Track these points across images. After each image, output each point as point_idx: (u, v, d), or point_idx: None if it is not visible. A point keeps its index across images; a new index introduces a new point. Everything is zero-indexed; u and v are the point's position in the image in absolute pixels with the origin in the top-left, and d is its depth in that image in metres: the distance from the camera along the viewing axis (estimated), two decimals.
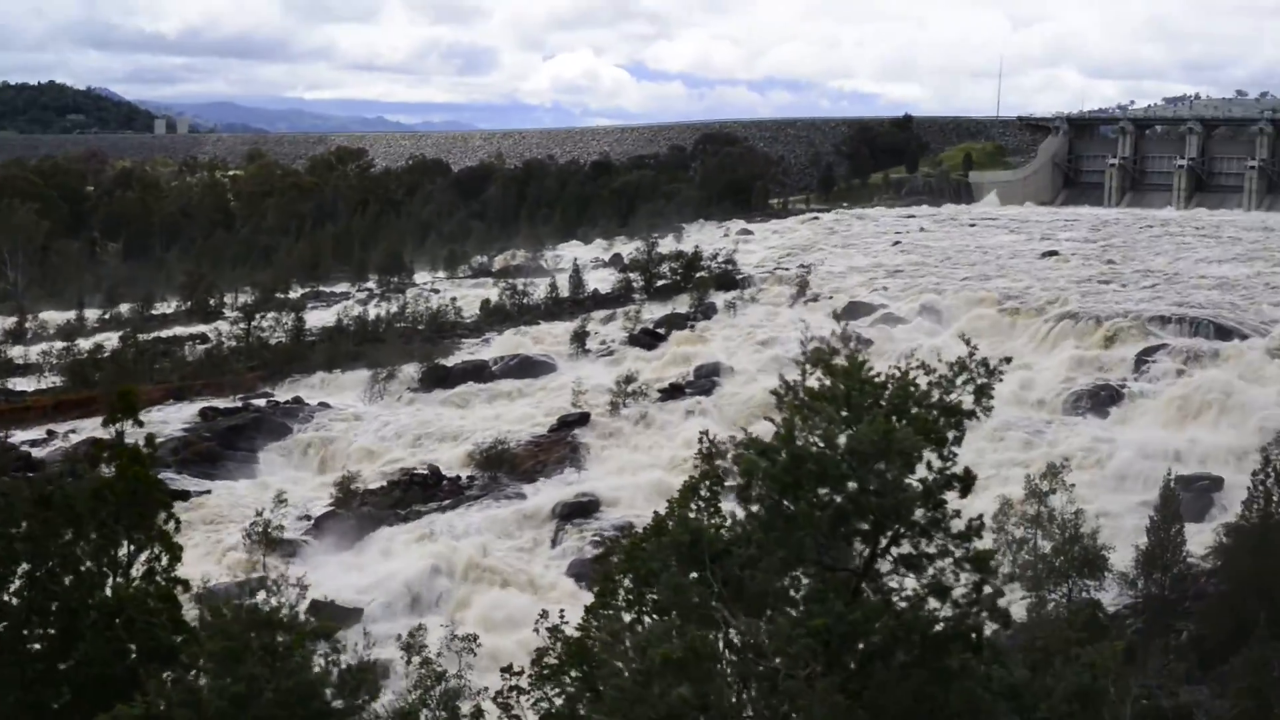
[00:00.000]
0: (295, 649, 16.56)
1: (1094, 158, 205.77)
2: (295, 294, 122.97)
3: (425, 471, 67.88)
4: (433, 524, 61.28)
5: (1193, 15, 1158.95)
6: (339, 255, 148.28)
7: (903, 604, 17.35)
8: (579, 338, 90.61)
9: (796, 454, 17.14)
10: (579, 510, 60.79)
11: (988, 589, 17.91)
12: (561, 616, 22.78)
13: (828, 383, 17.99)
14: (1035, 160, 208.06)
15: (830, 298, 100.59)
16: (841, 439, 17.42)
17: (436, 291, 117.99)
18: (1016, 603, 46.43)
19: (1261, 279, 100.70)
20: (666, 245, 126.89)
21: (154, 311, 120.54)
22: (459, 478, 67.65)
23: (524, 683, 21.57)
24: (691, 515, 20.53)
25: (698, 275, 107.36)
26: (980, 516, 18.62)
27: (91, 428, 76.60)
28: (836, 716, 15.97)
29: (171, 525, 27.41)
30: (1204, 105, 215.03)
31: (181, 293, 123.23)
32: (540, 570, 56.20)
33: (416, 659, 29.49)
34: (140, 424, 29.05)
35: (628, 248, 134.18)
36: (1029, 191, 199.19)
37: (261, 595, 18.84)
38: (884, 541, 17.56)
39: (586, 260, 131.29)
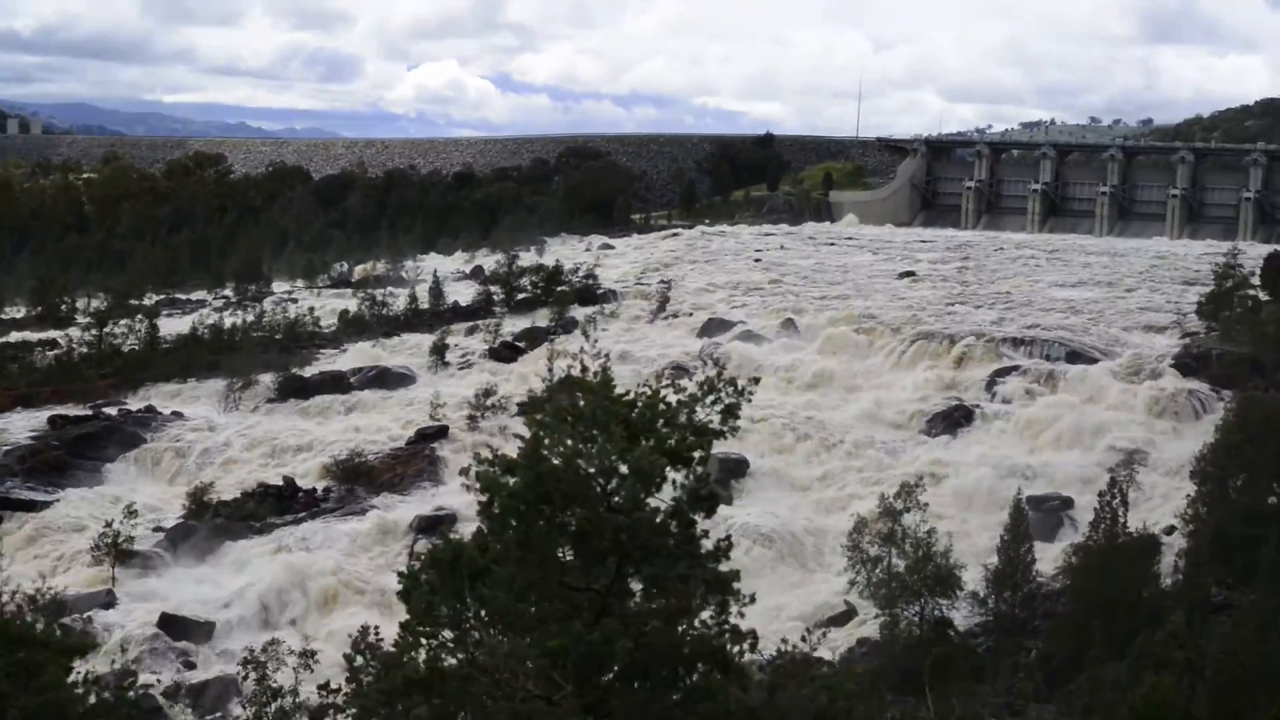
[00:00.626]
0: (48, 665, 16.00)
1: (951, 180, 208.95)
2: (150, 301, 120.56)
3: (280, 483, 67.04)
4: (287, 537, 60.51)
5: (1049, 41, 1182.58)
6: (196, 262, 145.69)
7: (652, 625, 17.39)
8: (438, 350, 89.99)
9: (539, 472, 17.17)
10: (436, 524, 60.22)
11: (733, 611, 18.04)
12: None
13: (580, 400, 18.04)
14: (894, 181, 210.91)
15: (690, 314, 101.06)
16: (582, 458, 17.52)
17: (295, 301, 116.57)
18: (870, 621, 47.24)
19: (1110, 303, 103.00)
20: (528, 258, 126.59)
21: (2, 316, 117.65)
22: (315, 490, 66.83)
23: (340, 699, 21.48)
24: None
25: (559, 289, 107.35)
26: (728, 538, 18.81)
27: None
28: None
29: None
30: (1059, 131, 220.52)
31: (31, 297, 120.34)
32: (396, 585, 55.64)
33: (253, 675, 29.15)
34: None
35: (489, 260, 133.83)
36: (888, 212, 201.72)
37: (12, 609, 18.08)
38: (629, 562, 17.60)
39: (448, 272, 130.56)
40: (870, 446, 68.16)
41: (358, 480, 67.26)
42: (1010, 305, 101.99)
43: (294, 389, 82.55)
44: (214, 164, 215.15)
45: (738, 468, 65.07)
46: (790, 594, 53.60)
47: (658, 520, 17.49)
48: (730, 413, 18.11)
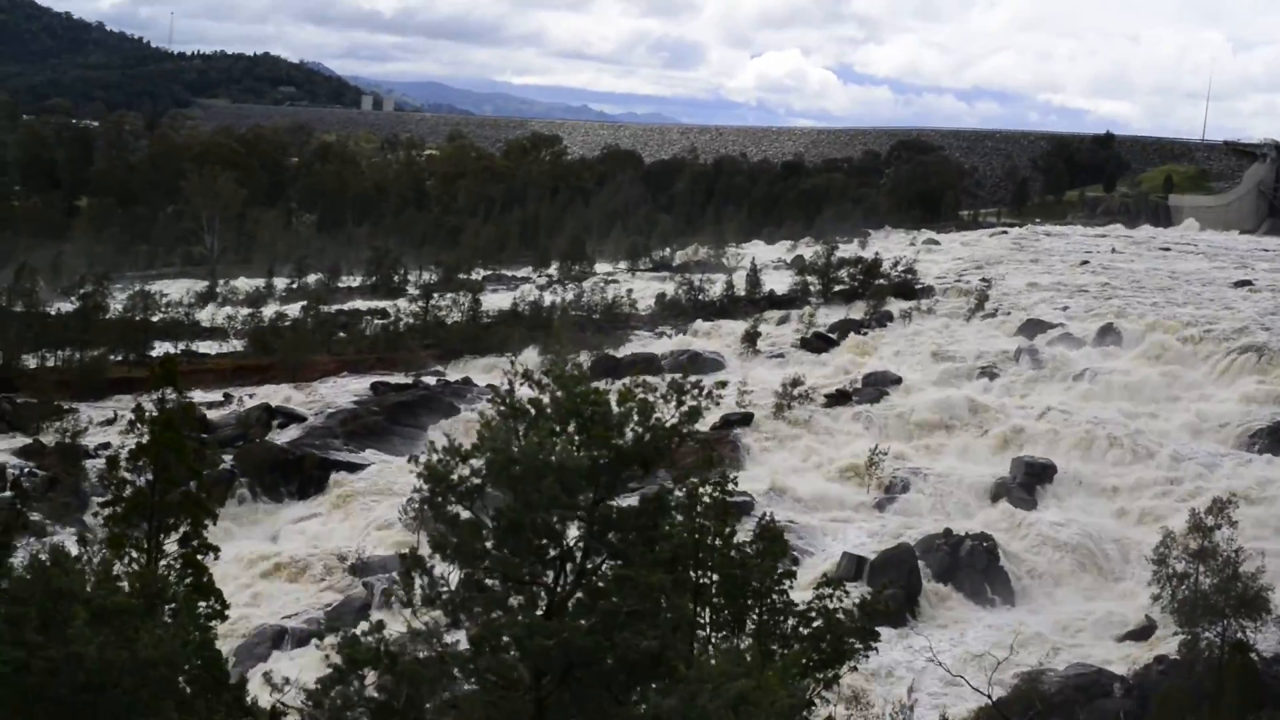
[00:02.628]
0: (75, 619, 16.39)
1: None
2: (477, 276, 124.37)
3: None
4: None
5: None
6: (525, 240, 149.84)
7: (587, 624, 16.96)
8: (750, 337, 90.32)
9: (489, 465, 16.88)
10: (735, 510, 60.29)
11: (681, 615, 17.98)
12: None
13: (544, 397, 17.70)
14: (1239, 187, 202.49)
15: (1009, 314, 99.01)
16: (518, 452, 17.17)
17: (615, 282, 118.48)
18: (1169, 638, 45.49)
19: None
20: (850, 250, 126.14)
21: (340, 284, 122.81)
22: None
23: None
24: None
25: (876, 282, 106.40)
26: (686, 542, 18.44)
27: (266, 393, 78.70)
28: None
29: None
30: None
31: (367, 268, 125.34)
32: None
33: None
34: (181, 393, 29.24)
35: (811, 250, 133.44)
36: (1231, 218, 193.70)
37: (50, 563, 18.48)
38: (569, 560, 17.17)
39: (768, 260, 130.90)
40: (1186, 459, 65.48)
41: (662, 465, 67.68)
42: None
43: (606, 368, 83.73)
44: (550, 145, 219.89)
45: (1044, 472, 63.46)
46: (1090, 604, 52.09)
47: (613, 517, 17.41)
48: (693, 415, 18.06)
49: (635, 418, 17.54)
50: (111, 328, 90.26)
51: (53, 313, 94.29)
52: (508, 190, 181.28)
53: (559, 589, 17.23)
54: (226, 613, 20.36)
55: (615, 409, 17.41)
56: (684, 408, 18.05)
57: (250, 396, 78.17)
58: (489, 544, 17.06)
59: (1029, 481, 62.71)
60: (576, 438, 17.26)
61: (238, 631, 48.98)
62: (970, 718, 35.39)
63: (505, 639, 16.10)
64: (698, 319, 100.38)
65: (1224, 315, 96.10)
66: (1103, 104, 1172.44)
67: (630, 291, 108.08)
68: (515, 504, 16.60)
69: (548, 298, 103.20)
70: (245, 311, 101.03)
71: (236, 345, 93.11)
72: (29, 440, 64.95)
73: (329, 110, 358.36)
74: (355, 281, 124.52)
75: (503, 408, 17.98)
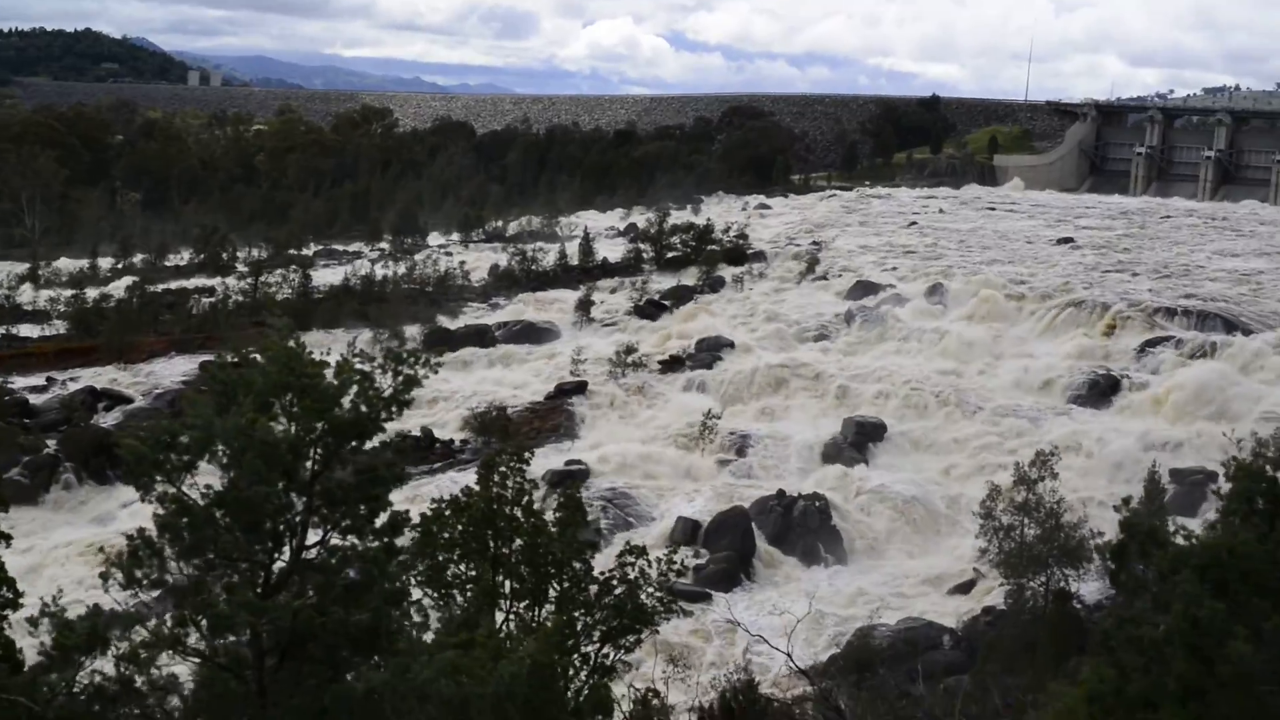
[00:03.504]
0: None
1: (1121, 146, 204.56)
2: (309, 251, 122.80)
3: (419, 434, 67.59)
4: (422, 487, 60.96)
5: (1238, 6, 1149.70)
6: (356, 214, 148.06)
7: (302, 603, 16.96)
8: (584, 306, 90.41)
9: (191, 443, 16.87)
10: (567, 478, 60.33)
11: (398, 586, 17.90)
12: None
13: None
14: (1061, 146, 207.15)
15: (839, 276, 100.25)
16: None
17: (448, 254, 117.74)
18: (996, 589, 46.41)
19: (1275, 274, 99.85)
20: (683, 217, 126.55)
21: (167, 263, 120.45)
22: (453, 441, 67.33)
23: None
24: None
25: (708, 248, 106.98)
26: (406, 513, 18.63)
27: (91, 376, 76.94)
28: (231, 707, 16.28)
29: None
30: (1242, 97, 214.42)
31: (195, 246, 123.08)
32: None
33: None
34: None
35: (644, 218, 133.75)
36: (1054, 177, 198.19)
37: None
38: (293, 534, 17.28)
39: (602, 229, 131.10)
40: (1012, 414, 66.82)
41: (495, 433, 67.53)
42: (1169, 274, 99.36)
43: (440, 341, 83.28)
44: (381, 118, 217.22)
45: (875, 431, 64.37)
46: (920, 560, 53.02)
47: (332, 490, 17.31)
48: (410, 383, 18.08)
49: (353, 389, 17.31)
50: None
51: None
52: (338, 164, 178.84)
53: (276, 565, 16.95)
54: (21, 601, 19.74)
55: (331, 381, 17.13)
56: (400, 378, 17.89)
57: (74, 380, 76.36)
58: (202, 522, 16.72)
59: (860, 441, 63.49)
60: (289, 412, 17.01)
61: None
62: (789, 675, 35.76)
63: (212, 617, 15.73)
64: (530, 289, 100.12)
65: (1047, 273, 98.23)
66: (931, 67, 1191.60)
67: (463, 263, 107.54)
68: (223, 480, 16.31)
69: (380, 271, 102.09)
70: (68, 293, 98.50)
71: (60, 328, 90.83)
72: None
73: (154, 86, 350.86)
74: (183, 260, 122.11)
75: (208, 385, 17.77)
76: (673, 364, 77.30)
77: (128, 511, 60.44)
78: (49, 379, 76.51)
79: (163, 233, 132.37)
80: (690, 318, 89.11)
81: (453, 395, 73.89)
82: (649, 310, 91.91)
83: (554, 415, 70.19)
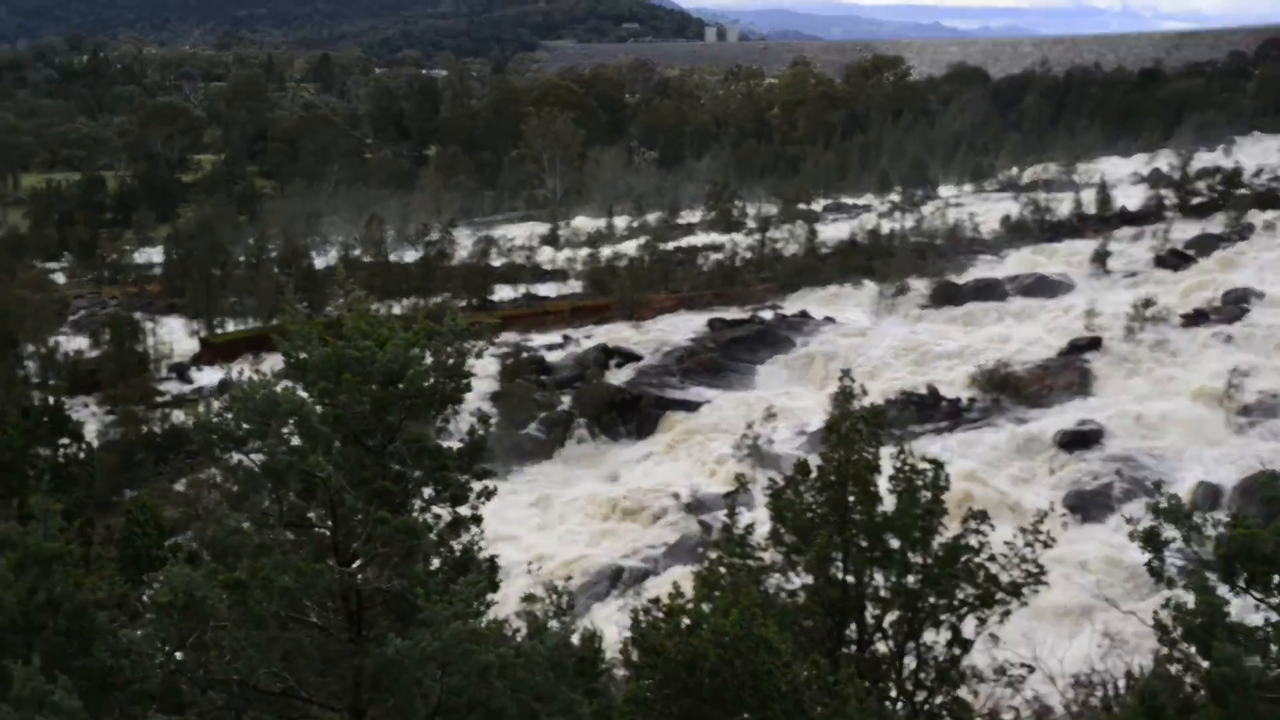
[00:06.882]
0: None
1: None
2: (817, 206, 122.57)
3: (924, 392, 65.79)
4: (929, 446, 59.17)
5: None
6: (865, 166, 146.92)
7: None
8: (1099, 258, 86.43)
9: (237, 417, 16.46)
10: (1080, 440, 57.42)
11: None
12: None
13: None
14: None
15: None
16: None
17: (959, 205, 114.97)
18: None
19: None
20: (1211, 159, 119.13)
21: (678, 221, 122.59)
22: (959, 400, 65.20)
23: None
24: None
25: (1237, 193, 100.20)
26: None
27: (604, 334, 79.10)
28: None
29: None
30: None
31: (706, 202, 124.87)
32: (1031, 499, 52.88)
33: None
34: None
35: (1167, 163, 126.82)
36: None
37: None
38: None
39: (1122, 175, 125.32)
40: None
41: (1003, 390, 65.04)
42: None
43: (947, 296, 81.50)
44: (892, 67, 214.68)
45: None
46: None
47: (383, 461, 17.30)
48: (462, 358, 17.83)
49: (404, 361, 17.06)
50: (453, 274, 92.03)
51: (399, 261, 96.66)
52: (848, 116, 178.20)
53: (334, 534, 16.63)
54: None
55: (383, 355, 16.93)
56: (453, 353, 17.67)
57: (588, 337, 78.71)
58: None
59: None
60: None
61: (580, 570, 49.22)
62: None
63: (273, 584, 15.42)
64: (1044, 240, 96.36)
65: None
66: None
67: (973, 215, 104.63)
68: (272, 452, 16.15)
69: (886, 225, 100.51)
70: (584, 252, 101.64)
71: (576, 287, 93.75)
72: None
73: (672, 44, 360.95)
74: (695, 217, 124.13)
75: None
76: (1196, 318, 72.46)
77: (634, 468, 61.95)
78: (565, 336, 79.26)
79: (675, 190, 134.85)
80: (1217, 268, 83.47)
81: (961, 351, 71.76)
82: (1170, 260, 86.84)
83: (1066, 372, 67.03)
